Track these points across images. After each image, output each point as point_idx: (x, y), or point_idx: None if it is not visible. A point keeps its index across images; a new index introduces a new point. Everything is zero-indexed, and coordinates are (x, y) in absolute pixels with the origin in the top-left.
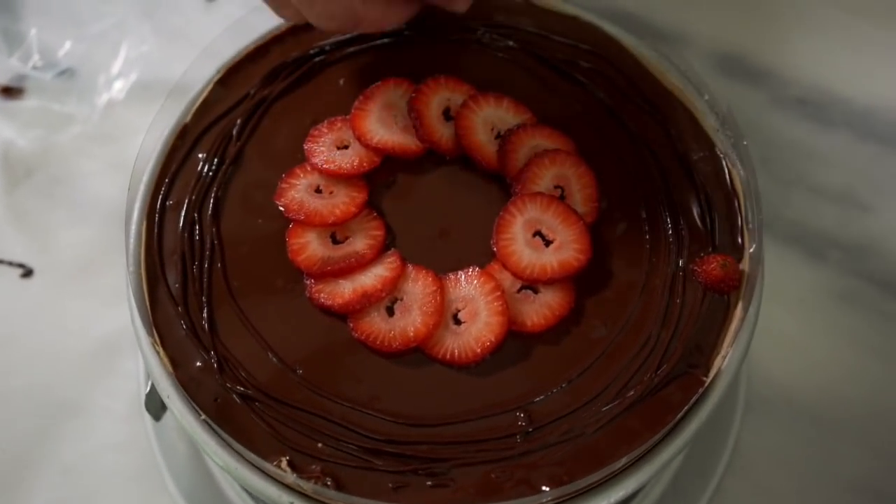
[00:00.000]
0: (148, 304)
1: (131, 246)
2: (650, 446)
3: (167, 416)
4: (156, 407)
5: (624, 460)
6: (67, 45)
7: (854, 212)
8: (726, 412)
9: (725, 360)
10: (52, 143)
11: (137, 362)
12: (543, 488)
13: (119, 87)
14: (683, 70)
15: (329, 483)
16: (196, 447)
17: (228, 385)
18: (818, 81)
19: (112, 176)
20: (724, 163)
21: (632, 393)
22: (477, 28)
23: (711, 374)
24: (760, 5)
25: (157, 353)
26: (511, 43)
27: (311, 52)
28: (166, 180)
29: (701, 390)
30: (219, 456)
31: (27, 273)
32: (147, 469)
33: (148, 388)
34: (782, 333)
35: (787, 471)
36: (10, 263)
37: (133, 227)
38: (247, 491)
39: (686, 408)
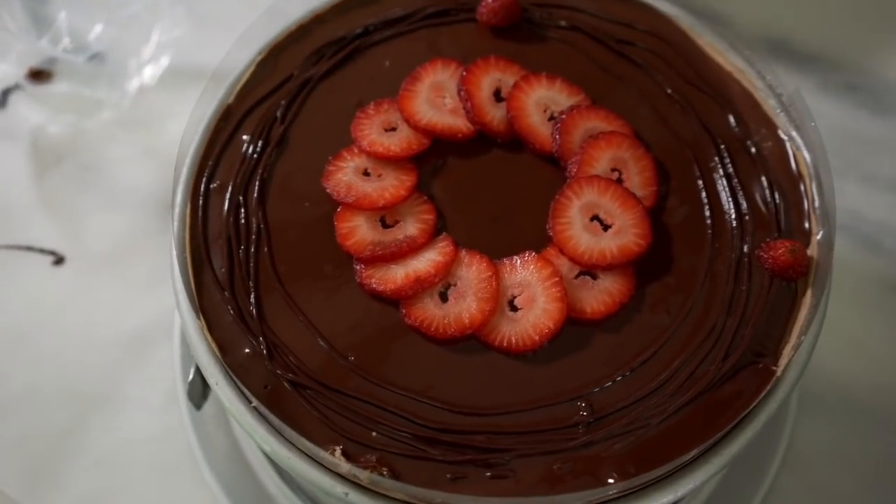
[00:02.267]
0: (194, 288)
1: (176, 229)
2: (719, 438)
3: (206, 406)
4: (197, 395)
5: (694, 452)
6: (98, 28)
7: None
8: (780, 408)
9: (797, 349)
10: (83, 129)
11: (172, 351)
12: (609, 480)
13: (150, 73)
14: (744, 52)
15: (385, 473)
16: (235, 438)
17: (279, 372)
18: (869, 66)
19: (143, 162)
20: (787, 146)
21: (697, 383)
22: (527, 7)
23: (782, 365)
24: None
25: (206, 338)
26: (563, 23)
27: (356, 31)
28: (210, 162)
29: (773, 381)
30: (270, 445)
31: (58, 261)
32: (183, 461)
33: (191, 376)
34: (835, 326)
35: (844, 468)
36: (42, 251)
37: (177, 211)
38: (289, 486)
39: (757, 400)
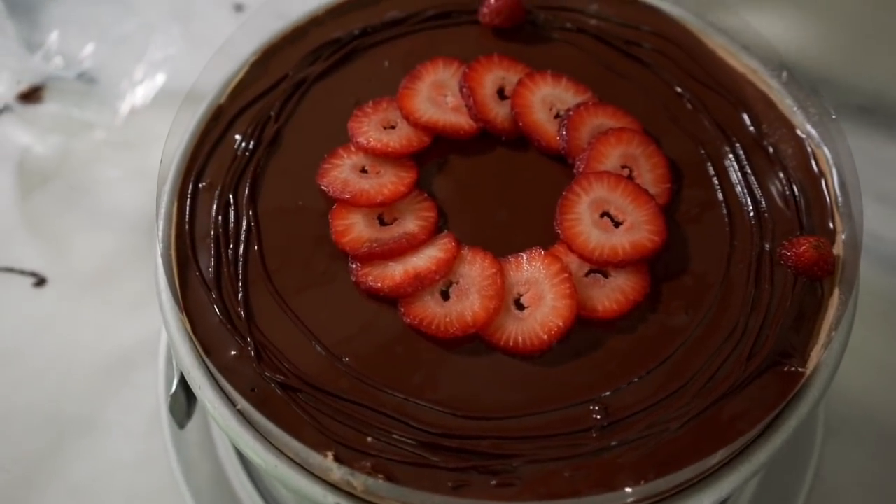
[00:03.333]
0: (178, 288)
1: (161, 228)
2: (746, 443)
3: (189, 431)
4: (180, 412)
5: (719, 456)
6: (90, 47)
7: None
8: (806, 434)
9: (826, 348)
10: (71, 150)
11: (157, 374)
12: (627, 489)
13: (142, 93)
14: (756, 50)
15: (381, 478)
16: (220, 465)
17: (267, 374)
18: (881, 89)
19: (132, 183)
20: (806, 143)
21: (720, 386)
22: (530, 9)
23: (811, 366)
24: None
25: (189, 337)
26: (568, 24)
27: (354, 33)
28: (199, 161)
29: (801, 383)
30: (256, 452)
31: (40, 282)
32: (165, 489)
33: (174, 388)
34: (860, 349)
35: (875, 496)
36: (22, 272)
37: (163, 210)
38: None
39: (785, 403)
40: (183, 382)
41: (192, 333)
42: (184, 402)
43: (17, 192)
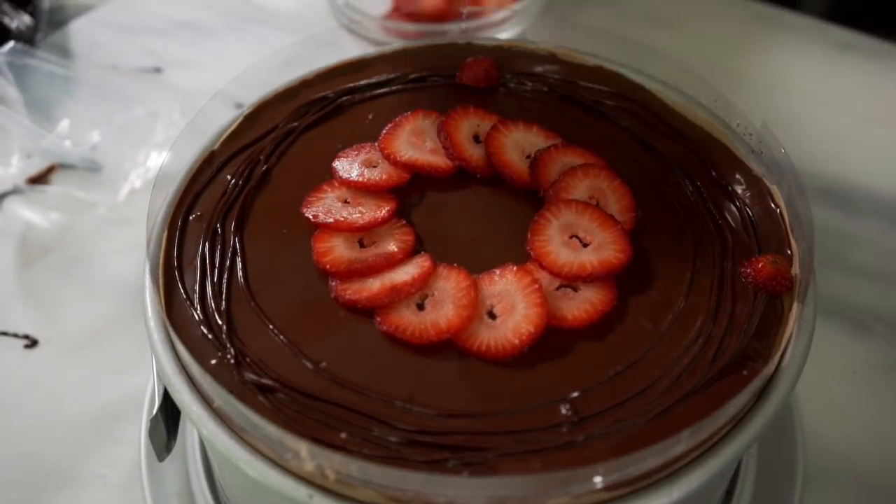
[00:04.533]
0: (164, 304)
1: (151, 250)
2: (710, 433)
3: (169, 485)
4: (160, 439)
5: (682, 445)
6: (97, 134)
7: (894, 288)
8: (785, 485)
9: (787, 355)
10: (72, 226)
11: (139, 427)
12: (595, 478)
13: (143, 175)
14: (709, 108)
15: (355, 469)
16: None
17: (245, 376)
18: (840, 173)
19: (128, 254)
20: (760, 181)
21: (685, 385)
22: (503, 74)
23: (772, 367)
24: (774, 105)
25: (171, 347)
26: (537, 86)
27: (341, 90)
28: (190, 196)
29: (763, 379)
30: (230, 450)
31: (31, 344)
32: None
33: (155, 409)
34: (837, 404)
35: None
36: (15, 335)
37: (154, 235)
38: None
39: (749, 393)
40: (164, 407)
41: (174, 342)
42: (163, 431)
43: (17, 264)
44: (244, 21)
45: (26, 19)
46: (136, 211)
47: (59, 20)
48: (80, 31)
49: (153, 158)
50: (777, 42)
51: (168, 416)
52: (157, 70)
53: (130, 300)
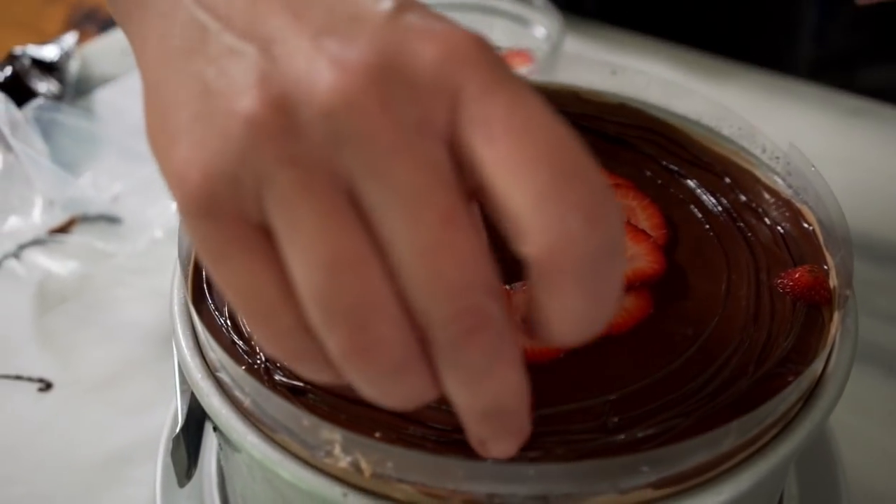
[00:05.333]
0: (193, 312)
1: (184, 253)
2: (758, 430)
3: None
4: (181, 460)
5: (731, 438)
6: (118, 186)
7: None
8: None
9: (831, 360)
10: (90, 275)
11: (154, 468)
12: (643, 468)
13: (162, 226)
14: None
15: (391, 466)
16: None
17: (276, 379)
18: (861, 226)
19: (147, 301)
20: (791, 202)
21: (727, 389)
22: None
23: (818, 370)
24: None
25: (200, 350)
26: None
27: None
28: None
29: (810, 380)
30: (260, 451)
31: (46, 387)
32: None
33: (178, 428)
34: (877, 446)
35: None
36: (30, 379)
37: (184, 253)
38: None
39: (796, 390)
40: (186, 428)
41: (203, 347)
42: (185, 453)
43: (34, 311)
44: None
45: (53, 87)
46: (156, 260)
47: (84, 89)
48: (104, 97)
49: (172, 211)
50: (784, 107)
51: (190, 439)
52: None
53: (147, 346)
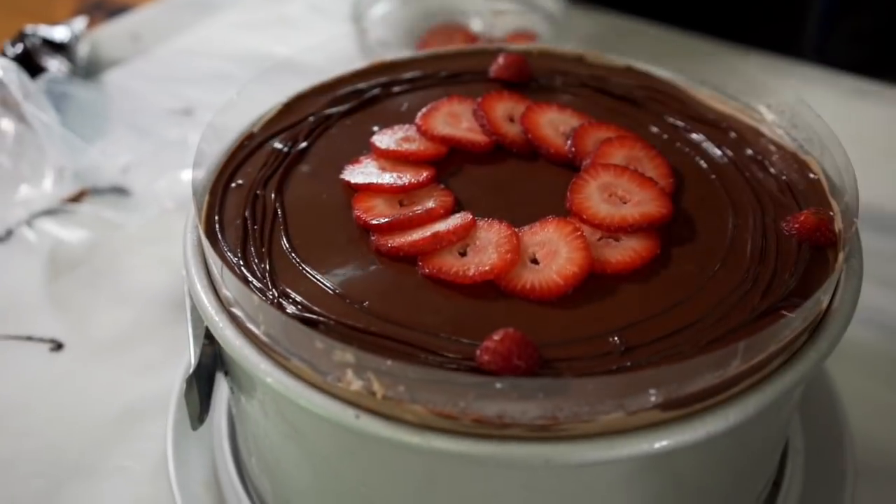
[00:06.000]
0: (204, 256)
1: (192, 215)
2: (764, 355)
3: (196, 473)
4: (194, 402)
5: (737, 362)
6: (127, 160)
7: None
8: (835, 480)
9: (836, 297)
10: (100, 243)
11: (165, 424)
12: (650, 390)
13: (170, 198)
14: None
15: (403, 389)
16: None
17: (289, 312)
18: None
19: (155, 270)
20: (798, 154)
21: (733, 320)
22: (538, 76)
23: (823, 304)
24: None
25: (213, 288)
26: (569, 81)
27: (375, 84)
28: (230, 168)
29: (815, 314)
30: (274, 378)
31: (57, 347)
32: None
33: (191, 370)
34: (882, 404)
35: None
36: (41, 339)
37: (195, 204)
38: None
39: (800, 319)
40: (198, 372)
41: (217, 285)
42: (197, 396)
43: (45, 277)
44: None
45: (63, 66)
46: (164, 230)
47: (93, 71)
48: (112, 79)
49: (186, 180)
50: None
51: (201, 386)
52: (188, 112)
53: (156, 310)
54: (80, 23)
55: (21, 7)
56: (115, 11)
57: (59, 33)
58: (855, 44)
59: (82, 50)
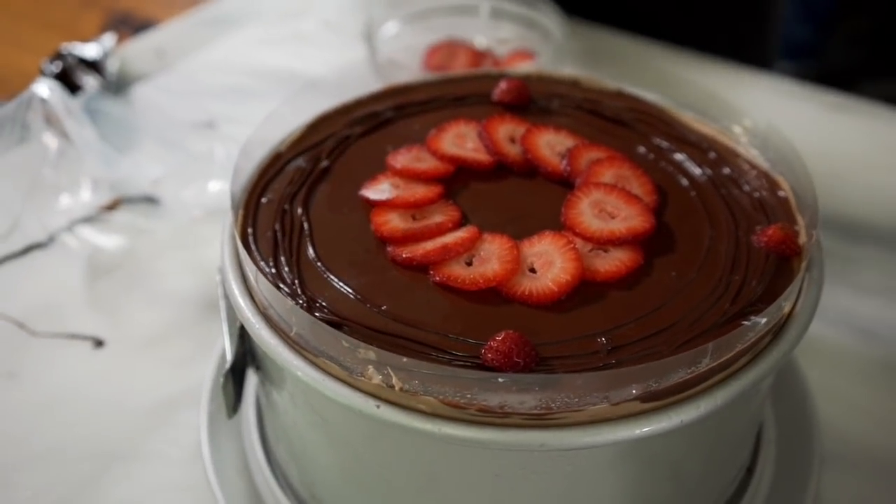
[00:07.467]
0: (241, 264)
1: (228, 225)
2: (731, 353)
3: (229, 458)
4: (230, 393)
5: (707, 360)
6: (158, 171)
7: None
8: (804, 467)
9: (798, 302)
10: (135, 249)
11: (199, 413)
12: (631, 384)
13: (201, 207)
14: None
15: (417, 382)
16: (258, 494)
17: (316, 315)
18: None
19: (188, 275)
20: (769, 173)
21: (706, 323)
22: (537, 99)
23: (787, 308)
24: None
25: (249, 294)
26: (565, 104)
27: (390, 107)
28: (261, 185)
29: (778, 317)
30: (304, 373)
31: (98, 344)
32: None
33: (227, 366)
34: (850, 400)
35: None
36: (84, 337)
37: (230, 218)
38: None
39: (765, 321)
40: (233, 368)
41: (252, 290)
42: (232, 389)
43: (86, 280)
44: (292, 87)
45: (96, 82)
46: (193, 237)
47: (122, 85)
48: (140, 93)
49: (212, 190)
50: (767, 102)
51: (235, 378)
52: (210, 125)
53: (191, 309)
54: (109, 40)
55: (49, 21)
56: (139, 27)
57: (91, 51)
58: (852, 46)
59: (112, 66)
